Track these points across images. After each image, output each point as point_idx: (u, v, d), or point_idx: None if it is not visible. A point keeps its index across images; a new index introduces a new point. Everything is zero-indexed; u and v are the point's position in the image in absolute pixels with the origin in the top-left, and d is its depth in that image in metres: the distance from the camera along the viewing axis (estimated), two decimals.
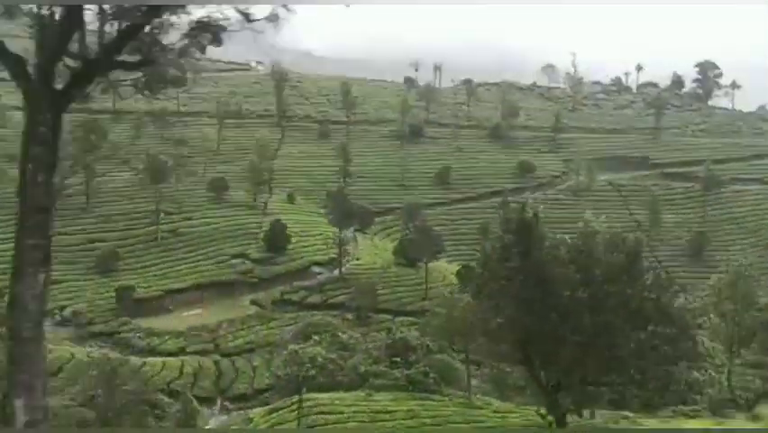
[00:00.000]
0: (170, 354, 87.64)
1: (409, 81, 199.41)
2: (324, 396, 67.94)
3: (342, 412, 64.71)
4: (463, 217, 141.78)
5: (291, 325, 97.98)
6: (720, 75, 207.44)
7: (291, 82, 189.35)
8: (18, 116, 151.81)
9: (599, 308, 31.84)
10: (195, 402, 66.51)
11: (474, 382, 74.10)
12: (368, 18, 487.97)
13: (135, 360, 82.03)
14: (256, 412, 69.57)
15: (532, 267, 32.49)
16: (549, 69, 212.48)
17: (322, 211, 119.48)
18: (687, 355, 34.55)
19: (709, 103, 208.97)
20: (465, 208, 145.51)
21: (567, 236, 35.53)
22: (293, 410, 65.47)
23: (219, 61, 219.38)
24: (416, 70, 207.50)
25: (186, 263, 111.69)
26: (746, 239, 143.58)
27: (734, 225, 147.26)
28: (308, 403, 66.36)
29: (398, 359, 73.98)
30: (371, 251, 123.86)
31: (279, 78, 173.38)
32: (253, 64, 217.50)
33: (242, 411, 75.67)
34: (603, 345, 32.03)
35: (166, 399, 71.51)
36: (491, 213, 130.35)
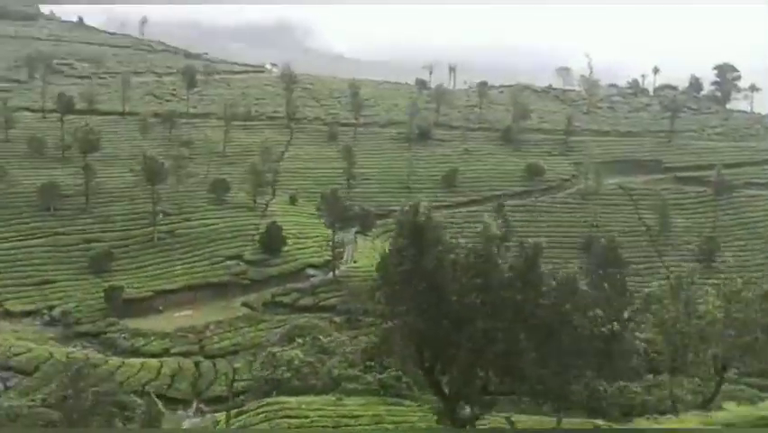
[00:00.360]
0: (154, 356, 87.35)
1: (420, 83, 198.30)
2: (293, 400, 67.21)
3: (307, 416, 63.84)
4: (466, 220, 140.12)
5: (280, 327, 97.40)
6: (739, 77, 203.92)
7: (303, 84, 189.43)
8: (27, 117, 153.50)
9: (494, 314, 30.68)
10: (159, 404, 65.98)
11: None
12: (399, 21, 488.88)
13: (114, 360, 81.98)
14: (224, 415, 68.88)
15: (424, 271, 31.46)
16: (564, 71, 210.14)
17: (315, 213, 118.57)
18: (594, 366, 33.20)
19: (728, 106, 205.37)
20: (470, 211, 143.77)
21: (463, 240, 34.38)
22: (258, 414, 64.93)
23: (234, 63, 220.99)
24: (431, 73, 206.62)
25: (180, 264, 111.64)
26: (758, 244, 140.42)
27: (745, 231, 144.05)
28: (275, 407, 65.69)
29: (372, 363, 72.93)
30: (370, 253, 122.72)
31: (289, 80, 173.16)
32: (268, 66, 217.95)
33: (216, 414, 75.11)
34: (500, 352, 30.89)
35: (138, 400, 71.20)
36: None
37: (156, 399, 65.95)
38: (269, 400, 67.46)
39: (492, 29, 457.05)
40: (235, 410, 67.91)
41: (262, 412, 65.11)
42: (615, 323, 32.22)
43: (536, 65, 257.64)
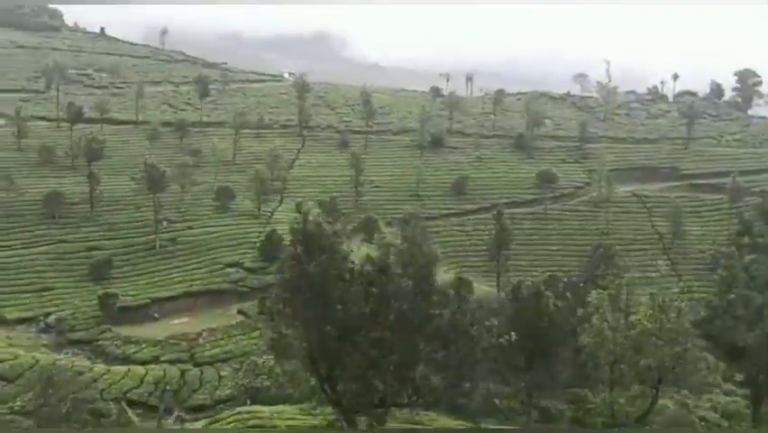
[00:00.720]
0: (143, 363, 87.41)
1: (435, 90, 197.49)
2: (265, 409, 66.63)
3: (276, 426, 63.27)
4: (476, 228, 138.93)
5: None
6: (760, 83, 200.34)
7: (318, 92, 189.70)
8: (41, 127, 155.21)
9: (385, 325, 29.87)
10: (129, 412, 65.86)
11: None
12: (434, 31, 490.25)
13: (99, 368, 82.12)
14: (197, 425, 68.58)
15: (312, 279, 30.79)
16: (581, 78, 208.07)
17: None
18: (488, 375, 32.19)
19: (749, 112, 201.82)
20: (479, 219, 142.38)
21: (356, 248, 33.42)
22: (229, 423, 64.43)
23: (252, 72, 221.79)
24: (447, 80, 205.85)
25: (179, 272, 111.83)
26: None
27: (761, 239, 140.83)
28: (246, 416, 65.23)
29: None
30: None
31: (301, 88, 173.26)
32: (286, 75, 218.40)
33: (197, 422, 74.77)
34: (392, 363, 30.06)
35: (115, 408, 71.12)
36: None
37: (126, 406, 65.70)
38: (241, 409, 66.97)
39: (523, 39, 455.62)
40: (208, 419, 67.64)
41: (233, 421, 64.66)
42: (512, 333, 31.40)
43: (563, 73, 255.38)
